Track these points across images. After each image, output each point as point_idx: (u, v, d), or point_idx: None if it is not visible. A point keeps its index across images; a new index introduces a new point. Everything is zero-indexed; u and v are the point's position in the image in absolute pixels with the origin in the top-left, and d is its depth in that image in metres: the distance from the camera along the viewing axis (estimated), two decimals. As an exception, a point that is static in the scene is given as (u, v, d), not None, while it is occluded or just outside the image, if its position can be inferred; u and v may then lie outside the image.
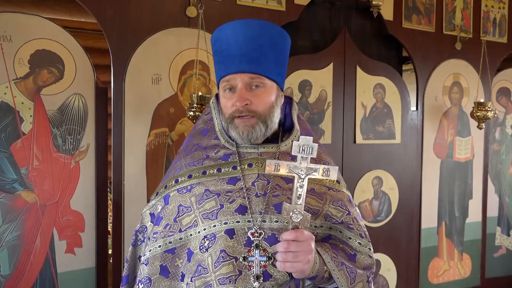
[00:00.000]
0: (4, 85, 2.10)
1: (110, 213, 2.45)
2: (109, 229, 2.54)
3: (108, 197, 2.46)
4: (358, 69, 3.03)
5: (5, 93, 2.10)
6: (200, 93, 2.23)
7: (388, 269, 3.22)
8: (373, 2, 2.79)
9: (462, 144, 3.49)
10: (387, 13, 3.07)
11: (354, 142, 3.03)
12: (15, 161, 2.12)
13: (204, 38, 2.31)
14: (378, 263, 3.18)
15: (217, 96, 1.43)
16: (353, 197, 3.03)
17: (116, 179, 2.31)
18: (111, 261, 2.39)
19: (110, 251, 2.53)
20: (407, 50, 3.23)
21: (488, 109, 3.08)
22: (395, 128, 3.18)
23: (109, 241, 2.53)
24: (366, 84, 3.05)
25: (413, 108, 3.30)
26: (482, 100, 3.15)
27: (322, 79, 2.90)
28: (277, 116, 1.33)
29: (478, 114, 3.10)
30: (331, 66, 2.93)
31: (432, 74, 3.31)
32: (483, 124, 3.14)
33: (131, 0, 2.32)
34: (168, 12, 2.41)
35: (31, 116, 2.15)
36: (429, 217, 3.37)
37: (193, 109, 2.17)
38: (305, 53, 2.95)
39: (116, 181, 2.31)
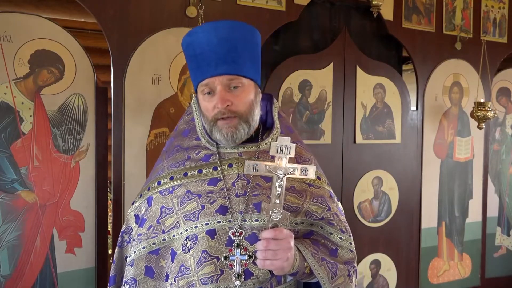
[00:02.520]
0: (4, 85, 2.10)
1: (110, 213, 2.45)
2: (109, 229, 2.54)
3: (108, 197, 2.46)
4: (358, 69, 3.03)
5: (5, 93, 2.10)
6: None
7: (388, 269, 3.22)
8: (373, 2, 2.79)
9: (462, 144, 3.49)
10: (387, 13, 3.07)
11: (354, 142, 3.03)
12: (15, 161, 2.12)
13: (204, 38, 2.31)
14: (378, 263, 3.18)
15: (197, 97, 1.44)
16: (353, 197, 3.05)
17: (116, 179, 2.31)
18: (111, 261, 2.39)
19: (110, 251, 2.53)
20: (407, 50, 3.23)
21: (488, 109, 3.08)
22: (395, 128, 3.18)
23: (109, 241, 2.53)
24: (366, 84, 3.05)
25: (413, 108, 3.30)
26: (482, 100, 3.16)
27: (322, 79, 2.90)
28: (257, 114, 1.35)
29: (478, 114, 3.10)
30: (331, 66, 2.93)
31: (432, 74, 3.31)
32: (483, 124, 3.14)
33: (131, 0, 2.32)
34: (168, 12, 2.41)
35: (31, 116, 2.15)
36: (429, 217, 3.37)
37: (193, 109, 2.17)
38: (305, 53, 2.95)
39: (116, 181, 2.31)
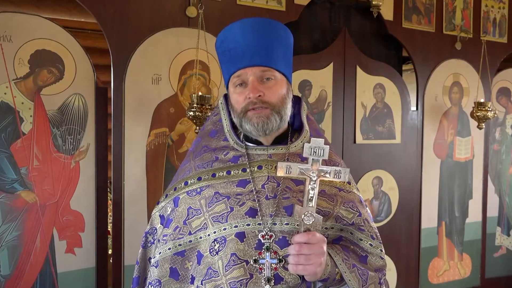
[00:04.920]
0: (4, 85, 2.10)
1: (110, 213, 2.45)
2: (109, 229, 2.54)
3: (108, 197, 2.46)
4: (358, 69, 3.03)
5: (5, 93, 2.10)
6: (200, 93, 2.23)
7: (388, 269, 3.22)
8: (373, 2, 2.79)
9: (462, 144, 3.49)
10: (387, 13, 3.07)
11: (354, 142, 3.03)
12: (15, 161, 2.12)
13: (204, 38, 2.31)
14: (378, 263, 3.18)
15: (225, 96, 1.42)
16: (353, 197, 3.05)
17: (116, 179, 2.31)
18: (111, 261, 2.39)
19: (110, 251, 2.53)
20: (407, 50, 3.23)
21: (488, 109, 3.07)
22: (395, 128, 3.18)
23: (109, 241, 2.53)
24: (366, 84, 3.05)
25: (413, 108, 3.30)
26: (482, 100, 3.15)
27: (322, 79, 2.90)
28: (289, 109, 1.33)
29: (478, 114, 3.10)
30: (331, 66, 2.93)
31: (432, 74, 3.31)
32: (483, 124, 3.14)
33: (131, 0, 2.32)
34: (168, 12, 2.41)
35: (31, 116, 2.15)
36: (429, 217, 3.37)
37: (193, 109, 2.17)
38: (305, 53, 2.95)
39: (116, 181, 2.31)
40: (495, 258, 3.78)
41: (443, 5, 3.31)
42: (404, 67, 3.69)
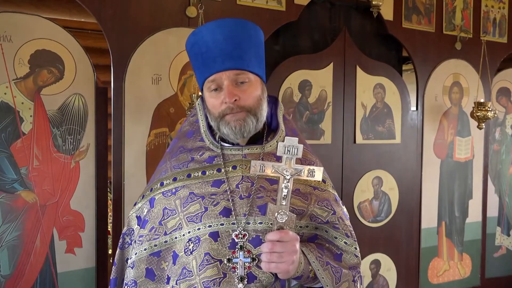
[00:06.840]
0: (4, 85, 2.10)
1: (110, 213, 2.45)
2: (109, 229, 2.54)
3: (108, 197, 2.46)
4: (358, 69, 3.03)
5: (5, 93, 2.10)
6: (200, 93, 2.23)
7: (388, 269, 3.22)
8: (373, 2, 2.79)
9: (462, 144, 3.49)
10: (387, 13, 3.07)
11: (354, 142, 3.03)
12: (15, 161, 2.12)
13: (204, 38, 2.31)
14: (378, 263, 3.18)
15: (202, 98, 1.43)
16: (353, 197, 3.05)
17: (116, 179, 2.31)
18: (111, 261, 2.39)
19: (110, 251, 2.53)
20: (407, 50, 3.23)
21: (488, 109, 3.08)
22: (395, 128, 3.18)
23: (109, 241, 2.53)
24: (366, 84, 3.05)
25: (413, 108, 3.30)
26: (482, 100, 3.15)
27: (322, 79, 2.90)
28: (265, 109, 1.34)
29: (478, 114, 3.10)
30: (331, 66, 2.93)
31: (432, 74, 3.32)
32: (483, 124, 3.14)
33: (131, 0, 2.32)
34: (168, 12, 2.41)
35: (31, 116, 2.15)
36: (429, 217, 3.37)
37: (193, 109, 2.17)
38: (305, 53, 2.96)
39: (116, 181, 2.31)
40: (495, 258, 3.78)
41: (443, 5, 3.31)
42: (404, 67, 3.69)
